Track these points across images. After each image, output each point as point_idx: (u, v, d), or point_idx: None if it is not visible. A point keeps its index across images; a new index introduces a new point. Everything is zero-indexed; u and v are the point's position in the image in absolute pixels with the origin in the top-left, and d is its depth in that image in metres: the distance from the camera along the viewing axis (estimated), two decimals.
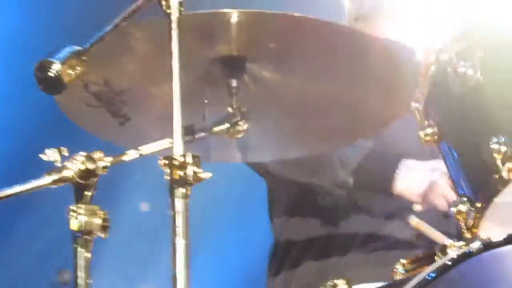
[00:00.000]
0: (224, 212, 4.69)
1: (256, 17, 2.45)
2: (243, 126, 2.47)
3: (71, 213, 2.25)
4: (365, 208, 3.28)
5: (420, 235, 3.16)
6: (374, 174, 3.28)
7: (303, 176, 3.23)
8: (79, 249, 2.25)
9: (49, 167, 2.34)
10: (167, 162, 2.15)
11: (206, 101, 2.51)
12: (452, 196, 2.74)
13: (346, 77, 2.63)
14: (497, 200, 2.54)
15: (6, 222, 5.30)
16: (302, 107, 2.70)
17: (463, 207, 2.57)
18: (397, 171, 3.25)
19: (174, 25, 2.21)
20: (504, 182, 2.50)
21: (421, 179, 3.25)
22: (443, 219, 3.12)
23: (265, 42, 2.50)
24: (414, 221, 3.14)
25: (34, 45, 4.81)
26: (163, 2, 2.23)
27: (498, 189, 2.52)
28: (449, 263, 2.45)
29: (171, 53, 2.19)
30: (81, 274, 2.28)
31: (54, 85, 2.28)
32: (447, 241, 2.59)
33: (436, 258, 2.54)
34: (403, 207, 3.16)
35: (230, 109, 2.49)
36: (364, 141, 3.22)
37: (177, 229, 2.15)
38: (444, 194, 3.13)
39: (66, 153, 2.37)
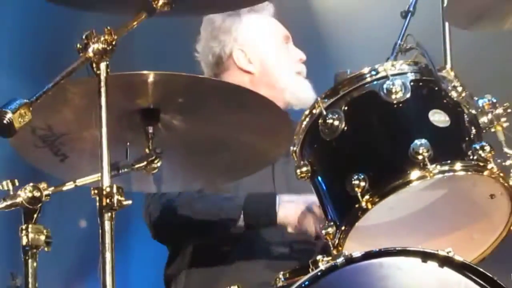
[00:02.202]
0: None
1: (168, 77, 2.88)
2: (157, 163, 2.89)
3: (21, 231, 2.71)
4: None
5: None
6: (258, 215, 3.79)
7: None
8: (29, 260, 2.69)
9: (3, 195, 2.79)
10: (97, 191, 2.56)
11: (128, 144, 2.91)
12: (322, 221, 3.26)
13: (238, 125, 3.08)
14: (358, 224, 3.02)
15: None
16: (203, 148, 3.14)
17: (331, 230, 3.05)
18: (277, 206, 3.74)
19: (102, 83, 2.62)
20: (363, 210, 3.00)
21: (296, 210, 3.73)
22: (314, 240, 3.66)
23: (175, 97, 2.93)
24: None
25: None
26: (94, 65, 2.65)
27: (358, 216, 3.01)
28: (319, 273, 2.90)
29: (100, 105, 2.59)
30: (30, 280, 2.76)
31: (8, 130, 2.72)
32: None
33: (309, 270, 2.95)
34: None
35: (147, 150, 2.91)
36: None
37: (106, 245, 2.59)
38: (315, 220, 3.61)
39: (17, 184, 2.79)
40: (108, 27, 2.80)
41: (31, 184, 2.83)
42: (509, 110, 3.18)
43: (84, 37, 2.76)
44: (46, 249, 2.82)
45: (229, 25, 4.02)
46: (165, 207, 3.77)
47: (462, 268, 3.04)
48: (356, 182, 3.02)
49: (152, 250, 4.48)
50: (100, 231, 2.67)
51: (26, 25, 5.59)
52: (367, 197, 3.05)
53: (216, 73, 4.04)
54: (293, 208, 3.77)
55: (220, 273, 3.65)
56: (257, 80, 4.06)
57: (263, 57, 4.11)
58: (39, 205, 2.81)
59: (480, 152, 3.08)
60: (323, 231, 3.10)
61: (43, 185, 2.85)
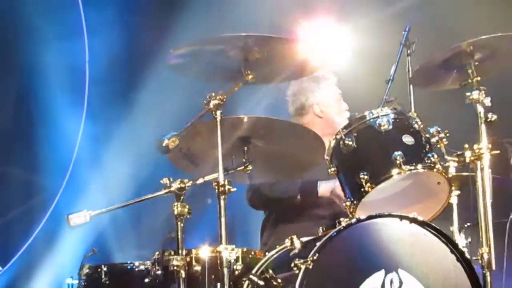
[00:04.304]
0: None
1: (254, 119, 4.70)
2: (249, 167, 4.78)
3: (174, 207, 4.48)
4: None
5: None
6: (307, 192, 5.78)
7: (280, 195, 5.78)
8: (179, 223, 4.45)
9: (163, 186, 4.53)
10: (216, 183, 4.43)
11: (233, 157, 4.74)
12: (342, 196, 5.15)
13: (294, 145, 4.97)
14: (363, 200, 4.83)
15: None
16: (274, 159, 5.00)
17: (348, 203, 4.87)
18: (318, 187, 5.68)
19: (218, 123, 4.48)
20: (366, 192, 4.80)
21: (328, 186, 5.65)
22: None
23: (259, 130, 4.75)
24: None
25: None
26: (213, 112, 4.48)
27: (363, 195, 4.81)
28: (342, 228, 4.58)
29: (218, 135, 4.44)
30: (179, 234, 4.59)
31: (165, 150, 4.44)
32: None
33: (336, 226, 4.68)
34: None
35: (244, 160, 4.76)
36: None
37: (221, 215, 4.45)
38: (339, 194, 5.46)
39: (171, 180, 4.55)
40: (221, 91, 4.58)
41: (179, 179, 4.61)
42: (447, 135, 4.99)
43: (208, 96, 4.54)
44: (188, 216, 4.59)
45: (311, 88, 6.09)
46: (254, 190, 5.80)
47: (422, 224, 4.72)
48: (362, 176, 4.82)
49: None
50: (218, 206, 4.49)
51: None
52: (368, 184, 4.83)
53: (300, 113, 6.11)
54: (327, 185, 5.70)
55: (288, 229, 5.54)
56: (324, 121, 6.08)
57: (328, 110, 6.11)
58: (183, 192, 4.59)
59: (432, 158, 4.88)
60: (344, 204, 4.96)
61: (185, 180, 4.62)
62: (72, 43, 8.45)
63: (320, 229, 4.92)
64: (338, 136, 5.04)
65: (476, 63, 5.18)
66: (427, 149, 5.00)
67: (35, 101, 8.35)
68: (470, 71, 5.19)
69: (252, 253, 5.09)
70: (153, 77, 7.54)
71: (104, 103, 8.20)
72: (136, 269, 5.32)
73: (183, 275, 4.77)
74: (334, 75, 6.17)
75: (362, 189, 4.91)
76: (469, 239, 5.64)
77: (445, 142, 5.04)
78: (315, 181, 5.79)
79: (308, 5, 8.19)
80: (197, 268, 4.96)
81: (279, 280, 4.73)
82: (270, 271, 4.77)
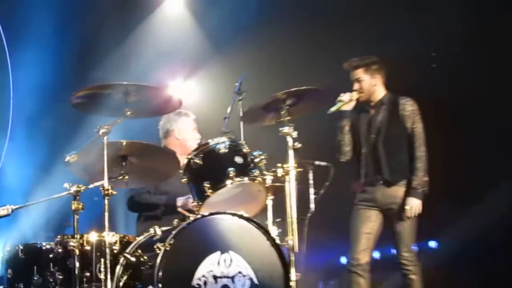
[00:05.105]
0: None
1: (133, 143, 5.88)
2: (126, 177, 6.01)
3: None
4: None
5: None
6: (169, 204, 7.00)
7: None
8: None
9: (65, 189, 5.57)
10: (102, 188, 5.66)
11: (114, 168, 5.94)
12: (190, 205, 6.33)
13: (159, 161, 6.13)
14: (206, 201, 5.86)
15: None
16: (143, 171, 6.06)
17: (195, 203, 5.89)
18: (177, 199, 6.92)
19: (105, 146, 5.64)
20: (207, 196, 5.80)
21: (183, 201, 6.91)
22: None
23: (136, 151, 5.91)
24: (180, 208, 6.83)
25: None
26: (102, 138, 5.85)
27: (206, 198, 5.85)
28: (191, 221, 5.64)
29: (104, 154, 5.70)
30: None
31: (67, 164, 5.66)
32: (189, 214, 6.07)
33: (187, 219, 5.84)
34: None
35: (122, 171, 5.98)
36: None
37: (106, 219, 5.89)
38: (188, 207, 6.76)
39: (70, 184, 5.62)
40: (107, 123, 5.58)
41: (76, 184, 5.61)
42: (266, 157, 6.00)
43: (98, 126, 5.55)
44: (81, 210, 5.60)
45: (174, 119, 7.42)
46: (133, 201, 7.11)
47: (247, 219, 5.70)
48: (205, 184, 5.85)
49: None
50: (103, 204, 5.56)
51: None
52: (210, 190, 5.86)
53: (165, 136, 7.42)
54: (182, 201, 7.06)
55: (153, 223, 6.40)
56: (181, 144, 7.47)
57: (185, 136, 7.53)
58: (79, 193, 5.62)
59: (255, 173, 5.94)
60: (193, 205, 6.11)
61: (81, 185, 5.64)
62: None
63: (175, 221, 6.11)
64: (189, 156, 6.10)
65: (287, 107, 6.14)
66: (251, 167, 6.03)
67: None
68: (283, 112, 6.14)
69: (127, 237, 6.01)
70: (60, 111, 8.85)
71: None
72: (44, 248, 5.99)
73: (77, 253, 5.66)
74: (192, 113, 7.49)
75: (205, 194, 5.95)
76: (280, 230, 6.21)
77: (264, 162, 6.05)
78: (175, 197, 7.08)
79: (174, 64, 10.15)
80: (87, 248, 5.80)
81: (146, 257, 5.64)
82: (139, 251, 5.70)
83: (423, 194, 7.33)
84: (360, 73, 7.56)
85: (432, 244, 10.81)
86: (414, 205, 7.30)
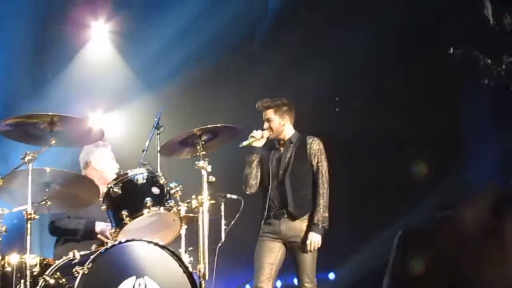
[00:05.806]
0: None
1: (57, 171, 6.23)
2: (48, 202, 6.35)
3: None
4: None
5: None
6: (88, 228, 7.13)
7: None
8: None
9: None
10: (25, 212, 5.91)
11: (38, 193, 6.28)
12: (108, 235, 6.57)
13: (79, 188, 6.39)
14: (124, 228, 6.15)
15: None
16: (64, 198, 6.37)
17: (113, 230, 6.18)
18: (96, 224, 7.05)
19: (30, 172, 5.96)
20: (125, 224, 6.06)
21: (102, 226, 7.05)
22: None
23: (60, 180, 6.27)
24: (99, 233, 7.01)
25: None
26: (27, 165, 6.27)
27: (123, 225, 6.13)
28: (109, 246, 5.84)
29: (28, 180, 6.10)
30: None
31: None
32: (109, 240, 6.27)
33: (105, 245, 6.03)
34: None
35: (45, 197, 6.29)
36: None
37: None
38: (106, 234, 6.86)
39: None
40: (33, 151, 5.87)
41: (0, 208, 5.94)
42: (182, 188, 6.27)
43: (24, 154, 5.80)
44: (4, 233, 5.89)
45: (92, 150, 7.49)
46: (54, 226, 7.22)
47: (162, 247, 5.93)
48: (124, 213, 6.12)
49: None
50: (25, 228, 5.80)
51: None
52: (128, 218, 6.10)
53: (84, 167, 7.48)
54: (101, 226, 7.15)
55: (73, 246, 6.73)
56: (99, 174, 7.54)
57: (102, 166, 7.60)
58: (2, 216, 5.96)
59: (170, 203, 6.19)
60: (111, 231, 6.38)
61: (4, 209, 5.92)
62: None
63: (93, 246, 6.34)
64: (109, 185, 6.33)
65: (203, 142, 6.41)
66: (167, 197, 6.27)
67: None
68: (198, 147, 6.40)
69: (47, 260, 6.08)
70: None
71: None
72: None
73: None
74: (109, 144, 7.72)
75: (123, 221, 6.16)
76: (191, 258, 6.41)
77: (180, 193, 6.29)
78: (94, 222, 7.20)
79: (97, 97, 10.55)
80: (8, 269, 5.92)
81: (64, 280, 5.78)
82: (58, 273, 5.81)
83: (323, 229, 7.55)
84: (270, 113, 7.86)
85: (331, 275, 11.09)
86: (314, 240, 7.50)
